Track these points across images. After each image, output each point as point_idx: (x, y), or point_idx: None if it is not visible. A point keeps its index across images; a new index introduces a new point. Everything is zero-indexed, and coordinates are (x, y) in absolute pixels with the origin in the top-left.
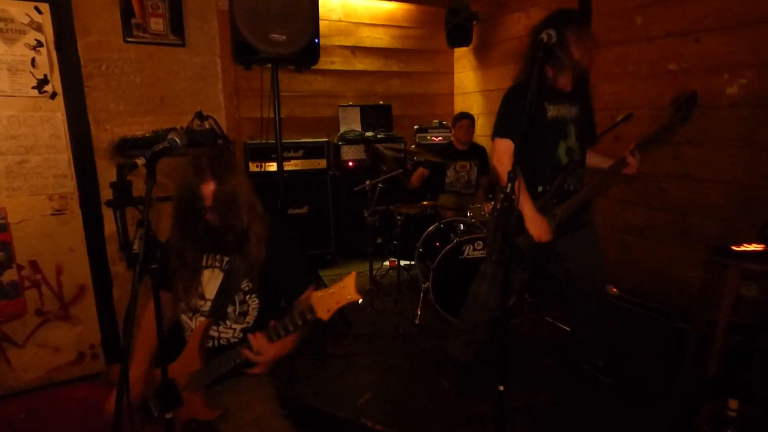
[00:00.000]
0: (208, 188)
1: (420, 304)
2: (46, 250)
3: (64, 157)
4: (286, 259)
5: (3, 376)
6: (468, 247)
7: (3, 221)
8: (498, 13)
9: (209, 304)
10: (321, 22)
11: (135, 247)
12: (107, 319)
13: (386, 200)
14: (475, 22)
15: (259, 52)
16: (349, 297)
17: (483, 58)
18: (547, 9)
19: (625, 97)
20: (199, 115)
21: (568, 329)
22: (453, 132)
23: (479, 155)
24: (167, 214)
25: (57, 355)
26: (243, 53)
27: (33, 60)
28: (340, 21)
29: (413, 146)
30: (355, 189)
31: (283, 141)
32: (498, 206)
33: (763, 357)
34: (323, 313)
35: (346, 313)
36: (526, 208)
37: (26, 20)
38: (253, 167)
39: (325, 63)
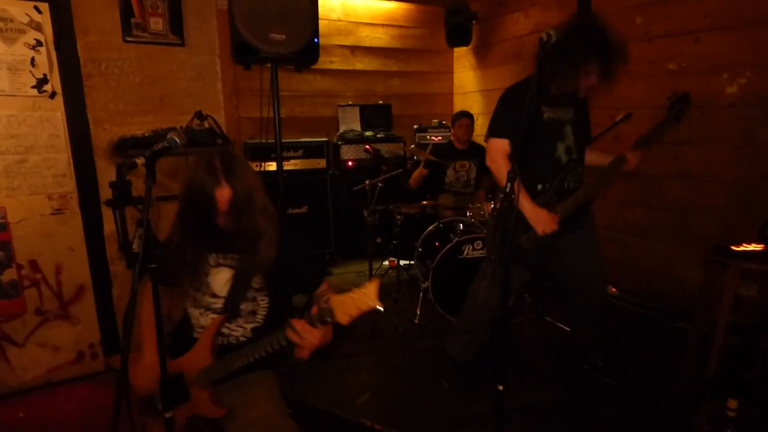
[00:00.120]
0: (224, 194)
1: (419, 304)
2: (46, 249)
3: (63, 157)
4: (298, 256)
5: (2, 375)
6: (467, 247)
7: (2, 221)
8: (497, 12)
9: (221, 301)
10: (320, 22)
11: (134, 246)
12: (107, 318)
13: (386, 200)
14: (474, 22)
15: (259, 51)
16: (370, 304)
17: (482, 57)
18: (546, 9)
19: (624, 97)
20: (199, 115)
21: (567, 329)
22: (452, 131)
23: (479, 154)
24: (167, 213)
25: (56, 354)
26: (242, 53)
27: (32, 59)
28: (339, 20)
29: (412, 146)
30: (354, 188)
31: (283, 141)
32: (497, 206)
33: (762, 357)
34: (343, 317)
35: None
36: (525, 205)
37: (26, 20)
38: (252, 167)
39: (324, 62)
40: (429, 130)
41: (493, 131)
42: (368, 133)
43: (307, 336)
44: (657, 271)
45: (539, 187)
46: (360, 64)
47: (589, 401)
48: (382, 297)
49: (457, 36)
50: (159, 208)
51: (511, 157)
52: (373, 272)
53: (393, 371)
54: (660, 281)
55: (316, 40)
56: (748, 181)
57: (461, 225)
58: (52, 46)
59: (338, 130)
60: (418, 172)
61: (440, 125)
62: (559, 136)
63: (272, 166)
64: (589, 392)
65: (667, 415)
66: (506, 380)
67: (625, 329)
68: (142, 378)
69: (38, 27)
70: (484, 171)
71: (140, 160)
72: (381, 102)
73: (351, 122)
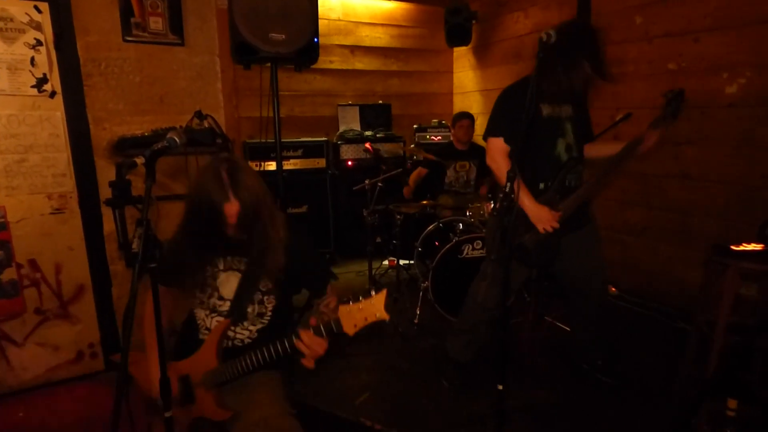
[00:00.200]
0: (232, 208)
1: (419, 304)
2: (46, 249)
3: (63, 156)
4: (305, 258)
5: (2, 375)
6: (467, 247)
7: (2, 220)
8: (497, 12)
9: (228, 304)
10: (320, 22)
11: (134, 246)
12: (106, 318)
13: (385, 199)
14: (474, 22)
15: (259, 51)
16: (377, 315)
17: (482, 57)
18: (546, 9)
19: (624, 97)
20: (199, 115)
21: (567, 329)
22: (453, 132)
23: (479, 155)
24: (167, 213)
25: (56, 354)
26: (242, 52)
27: (32, 59)
28: (339, 20)
29: (412, 145)
30: (354, 188)
31: (283, 140)
32: (498, 206)
33: (762, 357)
34: (349, 328)
35: None
36: (527, 203)
37: (26, 19)
38: (252, 166)
39: (324, 62)
40: (429, 130)
41: (490, 130)
42: (368, 133)
43: (315, 347)
44: (657, 271)
45: (541, 185)
46: (360, 63)
47: (589, 401)
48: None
49: (457, 36)
50: (159, 208)
51: (511, 156)
52: (373, 272)
53: (393, 371)
54: (660, 281)
55: (315, 39)
56: (747, 180)
57: (461, 225)
58: (51, 46)
59: (338, 130)
60: (417, 172)
61: (440, 125)
62: (559, 133)
63: (272, 166)
64: (589, 392)
65: (667, 415)
66: (506, 380)
67: (625, 329)
68: (147, 377)
69: (38, 26)
70: (484, 172)
71: (140, 160)
72: (381, 102)
73: (351, 122)
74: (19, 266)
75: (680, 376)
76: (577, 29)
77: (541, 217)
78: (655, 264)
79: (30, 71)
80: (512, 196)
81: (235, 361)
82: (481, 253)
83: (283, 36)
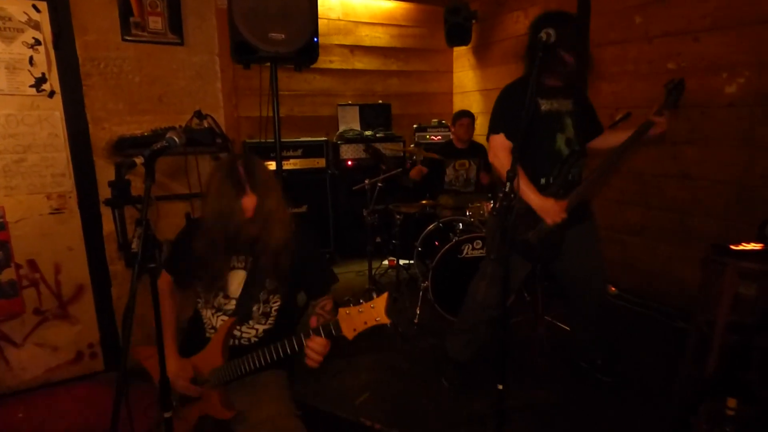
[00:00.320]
0: (250, 202)
1: (419, 303)
2: (45, 249)
3: (62, 156)
4: (311, 258)
5: (1, 375)
6: (467, 246)
7: (1, 220)
8: (497, 12)
9: (233, 302)
10: (320, 21)
11: (134, 246)
12: (106, 318)
13: (385, 199)
14: (474, 21)
15: (258, 51)
16: (378, 319)
17: (482, 57)
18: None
19: (624, 96)
20: (198, 114)
21: (567, 328)
22: (453, 130)
23: (479, 154)
24: (166, 213)
25: (55, 354)
26: (242, 52)
27: (31, 58)
28: (339, 20)
29: (412, 145)
30: (354, 188)
31: (282, 140)
32: (498, 205)
33: (761, 356)
34: (348, 331)
35: None
36: (532, 197)
37: (24, 18)
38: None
39: (324, 62)
40: (428, 130)
41: (492, 128)
42: (368, 133)
43: (322, 350)
44: (656, 270)
45: (542, 181)
46: (359, 63)
47: (589, 401)
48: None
49: (457, 35)
50: (158, 208)
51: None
52: (373, 272)
53: (393, 371)
54: (659, 281)
55: (315, 39)
56: (747, 180)
57: (461, 224)
58: (50, 45)
59: (338, 130)
60: (417, 170)
61: (440, 124)
62: (559, 127)
63: (272, 166)
64: (589, 392)
65: (667, 414)
66: (506, 380)
67: (624, 329)
68: (176, 377)
69: (37, 26)
70: (485, 169)
71: (139, 160)
72: (380, 101)
73: (350, 122)
74: (18, 266)
75: (680, 376)
76: (554, 16)
77: (548, 209)
78: (654, 264)
79: (29, 71)
80: (512, 196)
81: (241, 359)
82: (481, 252)
83: (283, 35)
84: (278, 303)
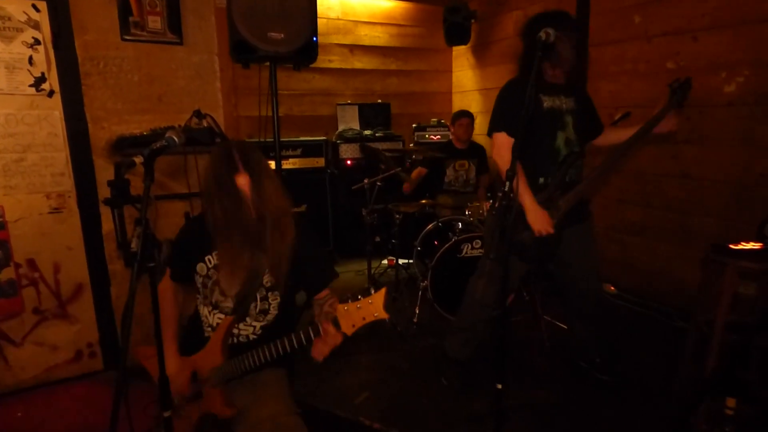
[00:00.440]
0: (242, 180)
1: (418, 303)
2: (44, 248)
3: (61, 156)
4: (311, 253)
5: (0, 374)
6: (466, 246)
7: (0, 219)
8: (496, 11)
9: (231, 300)
10: (319, 21)
11: (133, 245)
12: (105, 317)
13: (385, 199)
14: (473, 21)
15: (257, 50)
16: (376, 314)
17: (481, 56)
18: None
19: (623, 96)
20: (197, 114)
21: (566, 328)
22: (452, 130)
23: (478, 154)
24: (165, 212)
25: (55, 353)
26: (241, 51)
27: (30, 58)
28: (338, 19)
29: (411, 145)
30: (353, 187)
31: (282, 139)
32: (497, 204)
33: (760, 355)
34: (347, 327)
35: None
36: (527, 200)
37: (24, 18)
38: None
39: (323, 61)
40: (428, 129)
41: (494, 126)
42: (367, 132)
43: (332, 340)
44: (656, 270)
45: (540, 180)
46: (359, 62)
47: (588, 400)
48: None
49: (456, 35)
50: (157, 207)
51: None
52: (372, 271)
53: (392, 370)
54: (659, 280)
55: (314, 38)
56: (746, 179)
57: (460, 224)
58: (50, 45)
59: (337, 129)
60: (417, 172)
61: (439, 124)
62: (559, 125)
63: (271, 165)
64: (588, 391)
65: (667, 414)
66: (505, 379)
67: (624, 328)
68: (178, 376)
69: (36, 25)
70: (483, 170)
71: (139, 159)
72: (380, 101)
73: (350, 121)
74: (17, 266)
75: (679, 375)
76: (550, 15)
77: (538, 220)
78: (654, 263)
79: (28, 70)
80: (511, 195)
81: (241, 357)
82: (481, 252)
83: (282, 35)
84: (277, 300)
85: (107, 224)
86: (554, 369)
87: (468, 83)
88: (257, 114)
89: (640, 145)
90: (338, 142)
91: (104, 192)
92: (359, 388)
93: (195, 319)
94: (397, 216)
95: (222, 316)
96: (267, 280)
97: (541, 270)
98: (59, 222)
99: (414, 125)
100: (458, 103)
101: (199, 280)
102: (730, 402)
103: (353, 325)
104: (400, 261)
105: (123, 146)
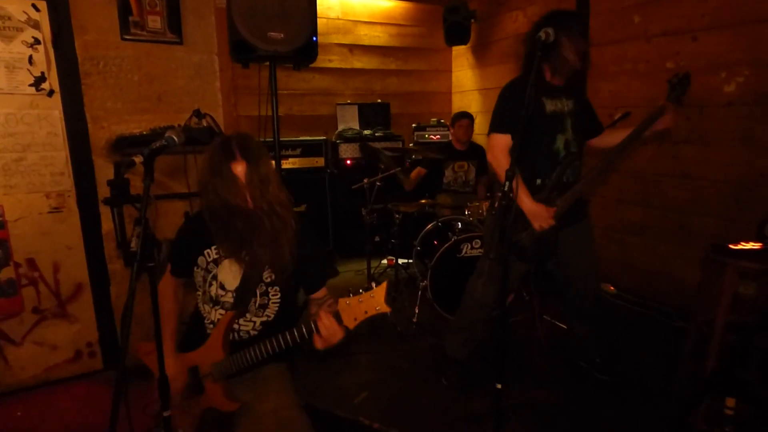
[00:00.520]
0: (239, 167)
1: (418, 303)
2: (44, 247)
3: (61, 155)
4: (311, 250)
5: (0, 374)
6: (466, 246)
7: (0, 219)
8: (496, 11)
9: (231, 295)
10: (319, 20)
11: (132, 245)
12: (105, 317)
13: (384, 198)
14: (473, 21)
15: (257, 50)
16: (378, 308)
17: (481, 56)
18: (544, 7)
19: (622, 96)
20: (197, 113)
21: (565, 327)
22: (452, 131)
23: (478, 155)
24: (165, 212)
25: (54, 353)
26: (240, 51)
27: (30, 57)
28: (338, 19)
29: (411, 144)
30: (353, 187)
31: (281, 139)
32: (496, 204)
33: (760, 355)
34: (349, 321)
35: None
36: (525, 201)
37: (24, 18)
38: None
39: (323, 61)
40: (427, 129)
41: (494, 126)
42: (366, 132)
43: (333, 332)
44: (655, 270)
45: (538, 181)
46: (358, 62)
47: (588, 400)
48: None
49: (456, 34)
50: (157, 207)
51: (512, 152)
52: (372, 271)
53: (392, 370)
54: (659, 280)
55: (314, 38)
56: (746, 179)
57: (460, 224)
58: (50, 44)
59: (337, 129)
60: (416, 172)
61: (438, 124)
62: (560, 128)
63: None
64: (588, 391)
65: (666, 414)
66: (505, 379)
67: (623, 328)
68: (171, 371)
69: (36, 25)
70: (483, 171)
71: (138, 159)
72: (379, 100)
73: (349, 121)
74: (17, 265)
75: (679, 375)
76: (557, 15)
77: (537, 214)
78: (653, 263)
79: (28, 70)
80: (510, 195)
81: (243, 353)
82: (480, 252)
83: (282, 35)
84: (277, 296)
85: (107, 224)
86: (554, 369)
87: (468, 83)
88: (257, 114)
89: (637, 144)
90: (338, 141)
91: (104, 191)
92: (359, 388)
93: (196, 316)
94: (397, 216)
95: (222, 311)
96: (267, 275)
97: (540, 270)
98: (59, 221)
99: (414, 125)
100: (458, 103)
101: (199, 273)
102: (730, 402)
103: (355, 319)
104: (400, 261)
105: (123, 146)
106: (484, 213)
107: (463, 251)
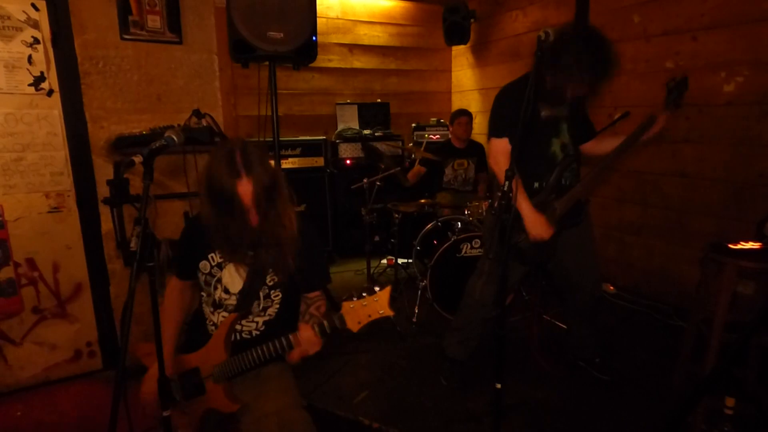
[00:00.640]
0: (246, 187)
1: (417, 302)
2: (43, 247)
3: (60, 155)
4: (312, 253)
5: (0, 373)
6: (465, 245)
7: (0, 218)
8: (495, 11)
9: (234, 298)
10: (318, 20)
11: (132, 244)
12: (104, 316)
13: (384, 198)
14: (472, 20)
15: (257, 49)
16: (381, 311)
17: (480, 55)
18: (544, 7)
19: (622, 96)
20: (197, 113)
21: (564, 327)
22: (451, 129)
23: (477, 153)
24: (164, 211)
25: (54, 352)
26: (240, 51)
27: (30, 57)
28: (337, 18)
29: (410, 144)
30: (352, 187)
31: (281, 139)
32: (496, 204)
33: (759, 355)
34: (353, 324)
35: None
36: (524, 207)
37: (23, 17)
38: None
39: (322, 61)
40: (427, 129)
41: (494, 131)
42: (366, 132)
43: (311, 345)
44: (654, 268)
45: (535, 185)
46: (358, 62)
47: (587, 399)
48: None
49: (455, 34)
50: (157, 207)
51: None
52: (371, 271)
53: (391, 369)
54: (657, 279)
55: (314, 38)
56: (745, 178)
57: (459, 223)
58: (49, 44)
59: (336, 129)
60: (416, 170)
61: (438, 123)
62: (555, 132)
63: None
64: (587, 390)
65: (665, 413)
66: (504, 379)
67: (621, 327)
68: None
69: (35, 25)
70: (482, 168)
71: (138, 159)
72: (379, 100)
73: (349, 120)
74: (16, 265)
75: (677, 374)
76: (575, 33)
77: (536, 223)
78: (652, 262)
79: (27, 69)
80: (510, 194)
81: (244, 354)
82: (480, 251)
83: (282, 34)
84: (279, 297)
85: (106, 223)
86: (552, 368)
87: (467, 83)
88: (256, 113)
89: (633, 147)
90: (337, 141)
91: (103, 191)
92: (358, 388)
93: (198, 317)
94: (396, 215)
95: (226, 314)
96: (270, 278)
97: (540, 270)
98: (58, 221)
99: (413, 125)
100: (457, 103)
101: (202, 278)
102: (729, 401)
103: (359, 323)
104: (399, 260)
105: (122, 145)
106: (484, 213)
107: (463, 251)
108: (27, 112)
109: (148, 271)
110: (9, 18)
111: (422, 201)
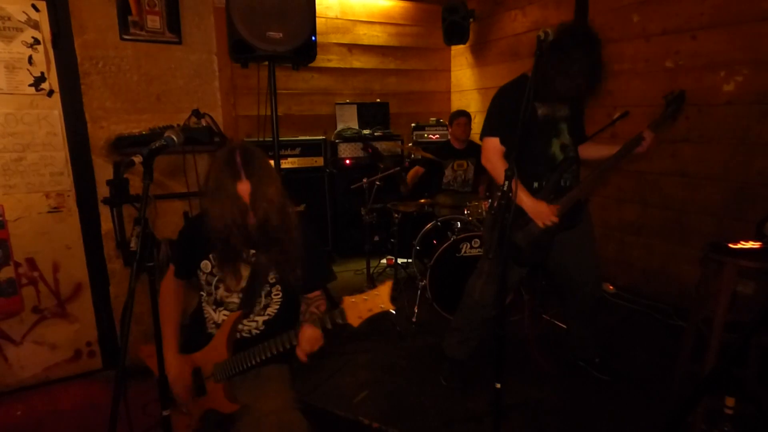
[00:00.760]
0: (244, 187)
1: (417, 302)
2: (43, 247)
3: (60, 155)
4: (312, 253)
5: (0, 373)
6: (465, 245)
7: (0, 218)
8: (494, 11)
9: (236, 296)
10: (318, 20)
11: (132, 244)
12: (104, 316)
13: (383, 198)
14: (471, 20)
15: (256, 49)
16: (382, 306)
17: (480, 55)
18: (544, 7)
19: (621, 95)
20: (196, 113)
21: (564, 326)
22: (450, 130)
23: (477, 154)
24: (164, 211)
25: (54, 352)
26: (239, 51)
27: (30, 58)
28: (337, 18)
29: (410, 144)
30: (352, 187)
31: (280, 139)
32: (495, 204)
33: (758, 354)
34: (354, 319)
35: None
36: (525, 200)
37: (23, 18)
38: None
39: (322, 60)
40: (426, 129)
41: (486, 130)
42: (366, 131)
43: (314, 342)
44: (653, 268)
45: (535, 185)
46: (357, 62)
47: (587, 399)
48: (393, 298)
49: (455, 34)
50: (156, 207)
51: (507, 155)
52: (371, 270)
53: (391, 369)
54: (656, 279)
55: (313, 38)
56: (744, 178)
57: (459, 223)
58: (49, 45)
59: (336, 128)
60: (414, 171)
61: (438, 123)
62: (554, 133)
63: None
64: (587, 390)
65: (665, 413)
66: (504, 378)
67: (621, 326)
68: (173, 369)
69: (36, 25)
70: (481, 170)
71: (138, 159)
72: (378, 100)
73: (348, 120)
74: (17, 265)
75: (677, 374)
76: (574, 33)
77: (540, 211)
78: (652, 262)
79: (28, 70)
80: (510, 194)
81: (245, 353)
82: (479, 251)
83: (281, 34)
84: (279, 296)
85: (106, 223)
86: (552, 367)
87: (467, 82)
88: (256, 113)
89: (626, 159)
90: (337, 141)
91: (103, 191)
92: (358, 387)
93: (198, 317)
94: (396, 215)
95: (227, 313)
96: (271, 276)
97: (540, 270)
98: (58, 221)
99: (413, 124)
100: (457, 103)
101: (202, 277)
102: (729, 401)
103: (360, 317)
104: (399, 260)
105: (122, 145)
106: (484, 213)
107: (463, 251)
108: (27, 113)
109: (147, 271)
110: (9, 19)
111: (422, 201)
